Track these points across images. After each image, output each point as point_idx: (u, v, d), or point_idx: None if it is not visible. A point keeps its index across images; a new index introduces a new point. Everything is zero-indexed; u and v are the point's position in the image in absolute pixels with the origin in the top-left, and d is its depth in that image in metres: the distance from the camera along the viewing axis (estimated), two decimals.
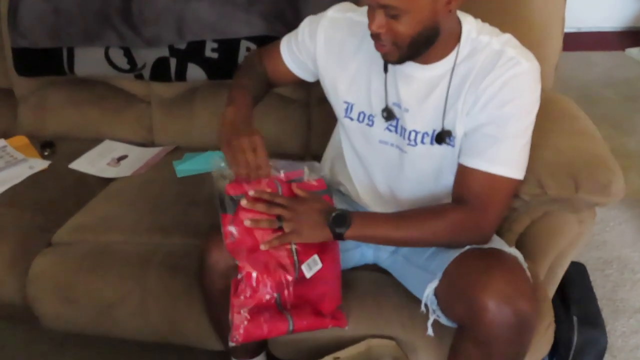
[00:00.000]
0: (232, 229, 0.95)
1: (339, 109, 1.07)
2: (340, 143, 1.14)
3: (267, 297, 0.95)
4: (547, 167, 1.02)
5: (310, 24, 1.08)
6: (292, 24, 1.36)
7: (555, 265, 1.14)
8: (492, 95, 0.90)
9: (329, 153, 1.23)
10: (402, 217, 0.97)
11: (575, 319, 1.22)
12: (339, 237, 0.93)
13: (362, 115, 1.03)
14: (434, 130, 0.96)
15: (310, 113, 1.59)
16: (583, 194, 0.99)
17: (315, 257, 0.97)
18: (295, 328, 0.98)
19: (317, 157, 1.33)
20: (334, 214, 0.92)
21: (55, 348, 1.51)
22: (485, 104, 0.91)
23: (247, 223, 0.94)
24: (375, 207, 1.11)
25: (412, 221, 0.95)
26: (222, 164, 0.98)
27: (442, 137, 0.95)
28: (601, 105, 2.59)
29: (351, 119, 1.05)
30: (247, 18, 1.49)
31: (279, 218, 0.94)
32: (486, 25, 0.96)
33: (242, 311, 0.94)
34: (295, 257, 0.96)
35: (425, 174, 1.02)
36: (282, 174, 0.99)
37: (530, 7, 1.29)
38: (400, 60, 0.92)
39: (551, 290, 1.17)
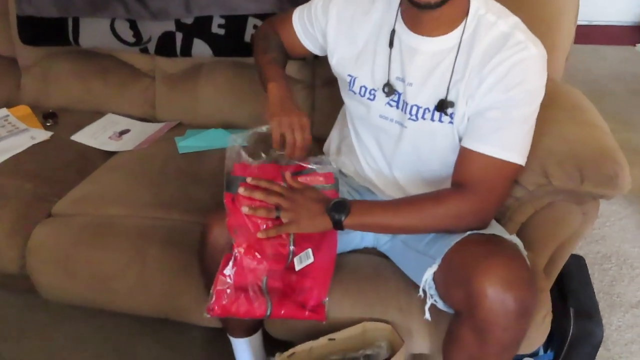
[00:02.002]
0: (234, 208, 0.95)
1: (343, 83, 1.08)
2: (346, 120, 1.14)
3: (254, 279, 0.96)
4: (553, 157, 1.01)
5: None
6: (300, 2, 1.34)
7: (555, 256, 1.13)
8: (498, 79, 0.89)
9: (334, 133, 1.23)
10: (402, 204, 0.97)
11: (572, 310, 1.22)
12: (338, 225, 0.93)
13: (363, 89, 1.03)
14: (435, 106, 0.95)
15: (315, 94, 1.58)
16: (588, 185, 0.98)
17: (309, 251, 0.98)
18: (272, 314, 0.99)
19: (321, 139, 1.32)
20: (333, 201, 0.92)
21: (52, 319, 1.52)
22: (490, 88, 0.89)
23: (244, 210, 0.94)
24: (376, 185, 1.11)
25: (411, 208, 0.95)
26: (239, 141, 0.98)
27: (444, 105, 0.94)
28: (609, 99, 2.57)
29: (354, 92, 1.05)
30: None
31: (277, 207, 0.94)
32: (496, 4, 0.94)
33: (225, 287, 0.95)
34: (291, 247, 0.97)
35: (423, 151, 1.01)
36: (290, 167, 0.99)
37: None
38: (441, 3, 0.86)
39: (550, 280, 1.17)
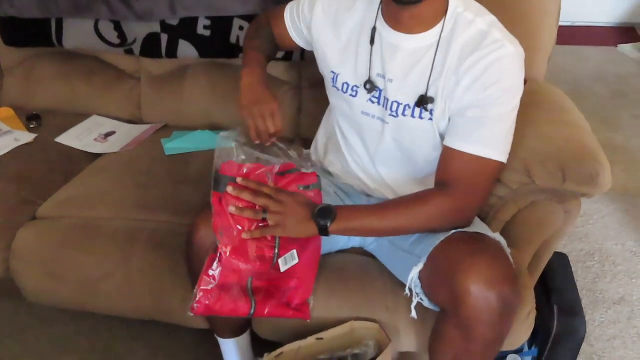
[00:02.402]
0: (221, 209, 0.95)
1: (327, 79, 1.10)
2: (331, 119, 1.15)
3: (238, 279, 0.96)
4: (535, 156, 1.02)
5: None
6: (284, 1, 1.35)
7: (539, 254, 1.15)
8: (475, 78, 0.90)
9: (321, 132, 1.24)
10: (386, 208, 0.98)
11: (555, 307, 1.24)
12: (324, 230, 0.93)
13: (345, 86, 1.04)
14: (415, 102, 0.97)
15: (301, 96, 1.58)
16: (570, 184, 1.00)
17: (294, 252, 0.98)
18: (256, 312, 1.00)
19: (307, 140, 1.33)
20: (319, 207, 0.93)
21: (38, 322, 1.50)
22: (468, 86, 0.91)
23: (231, 210, 0.94)
24: (363, 181, 1.12)
25: (396, 211, 0.96)
26: (229, 140, 0.98)
27: (423, 101, 0.95)
28: (591, 99, 2.61)
29: (336, 89, 1.06)
30: None
31: (264, 209, 0.94)
32: (474, 3, 0.96)
33: (209, 286, 0.96)
34: (276, 250, 0.97)
35: (404, 147, 1.03)
36: (276, 167, 0.99)
37: None
38: None
39: (534, 278, 1.19)
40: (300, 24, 1.12)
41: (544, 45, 1.32)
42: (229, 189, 0.94)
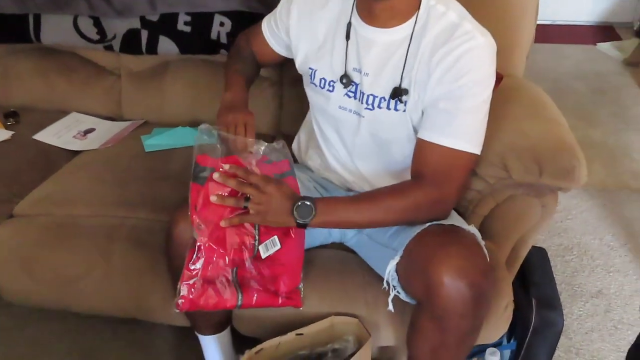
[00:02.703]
0: (200, 200, 0.94)
1: (305, 76, 1.10)
2: (310, 115, 1.16)
3: (220, 271, 0.95)
4: (512, 151, 1.04)
5: (286, 1, 1.10)
6: (267, 0, 1.35)
7: (517, 248, 1.17)
8: (446, 69, 0.91)
9: (303, 128, 1.25)
10: (365, 200, 0.97)
11: (534, 301, 1.26)
12: (302, 226, 0.93)
13: (323, 82, 1.05)
14: (390, 94, 0.98)
15: (282, 92, 1.58)
16: (547, 178, 1.01)
17: (275, 238, 0.97)
18: (243, 304, 0.98)
19: (288, 137, 1.33)
20: (299, 203, 0.92)
21: (16, 322, 1.48)
22: (440, 78, 0.92)
23: (213, 199, 0.93)
24: (342, 176, 1.13)
25: (375, 203, 0.96)
26: (205, 138, 0.98)
27: (397, 93, 0.96)
28: (571, 97, 2.65)
29: (314, 85, 1.07)
30: None
31: (247, 198, 0.93)
32: None
33: (191, 281, 0.95)
34: (257, 236, 0.96)
35: (381, 140, 1.03)
36: (254, 163, 0.98)
37: None
38: None
39: (512, 272, 1.20)
40: (279, 32, 1.13)
41: (522, 41, 1.34)
42: (215, 175, 0.92)
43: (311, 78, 1.07)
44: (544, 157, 1.01)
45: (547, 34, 3.21)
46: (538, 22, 1.36)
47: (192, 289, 0.95)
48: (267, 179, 0.93)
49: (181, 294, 0.95)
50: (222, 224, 0.93)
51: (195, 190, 0.94)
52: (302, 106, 1.25)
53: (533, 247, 1.26)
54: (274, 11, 1.15)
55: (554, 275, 1.41)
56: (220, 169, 0.94)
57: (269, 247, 0.97)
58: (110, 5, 1.51)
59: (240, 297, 0.97)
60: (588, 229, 1.83)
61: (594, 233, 1.82)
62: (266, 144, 1.00)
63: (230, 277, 0.97)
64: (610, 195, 1.98)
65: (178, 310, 0.96)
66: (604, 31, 3.33)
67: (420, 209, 0.95)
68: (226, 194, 0.94)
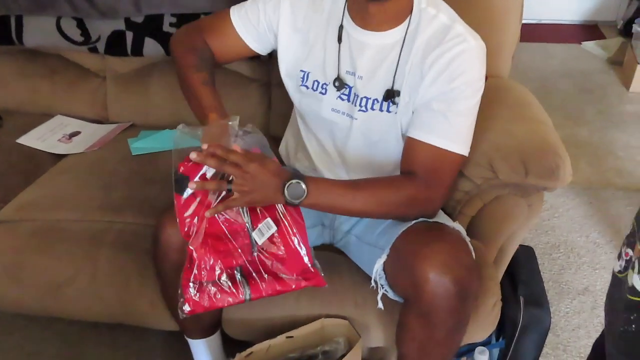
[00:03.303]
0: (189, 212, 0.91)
1: (293, 80, 1.07)
2: (296, 117, 1.15)
3: (221, 272, 0.93)
4: (499, 152, 1.04)
5: None
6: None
7: (505, 247, 1.18)
8: (440, 71, 0.92)
9: (289, 130, 1.24)
10: (359, 189, 0.94)
11: (521, 298, 1.27)
12: (291, 205, 0.89)
13: (316, 84, 1.04)
14: (382, 96, 0.98)
15: (271, 94, 1.57)
16: (532, 178, 1.02)
17: (269, 220, 0.91)
18: (253, 297, 0.94)
19: (277, 138, 1.32)
20: (291, 182, 0.87)
21: (2, 329, 1.46)
22: (433, 80, 0.92)
23: (191, 186, 0.87)
24: (329, 176, 1.12)
25: (368, 192, 0.94)
26: (187, 139, 0.91)
27: (390, 94, 0.96)
28: (557, 95, 2.67)
29: (306, 87, 1.06)
30: None
31: (229, 181, 0.86)
32: None
33: (192, 284, 0.92)
34: (247, 218, 0.91)
35: (371, 141, 1.04)
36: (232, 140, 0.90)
37: None
38: None
39: (500, 270, 1.21)
40: (258, 25, 1.06)
41: (507, 42, 1.35)
42: (192, 155, 0.84)
43: (302, 81, 1.06)
44: (529, 158, 1.02)
45: (533, 33, 3.23)
46: (524, 22, 1.37)
47: (196, 292, 0.92)
48: (249, 156, 0.86)
49: (184, 298, 0.92)
50: (207, 214, 0.88)
51: (179, 200, 0.91)
52: (290, 108, 1.25)
53: (520, 245, 1.27)
54: (246, 4, 1.07)
55: (542, 273, 1.43)
56: (203, 147, 0.86)
57: (264, 231, 0.91)
58: (94, 6, 1.49)
59: (247, 292, 0.93)
60: (574, 227, 1.85)
61: (580, 231, 1.84)
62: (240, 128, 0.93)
63: (234, 274, 0.93)
64: (596, 193, 2.01)
65: (185, 315, 0.93)
66: (589, 30, 3.37)
67: (413, 204, 0.95)
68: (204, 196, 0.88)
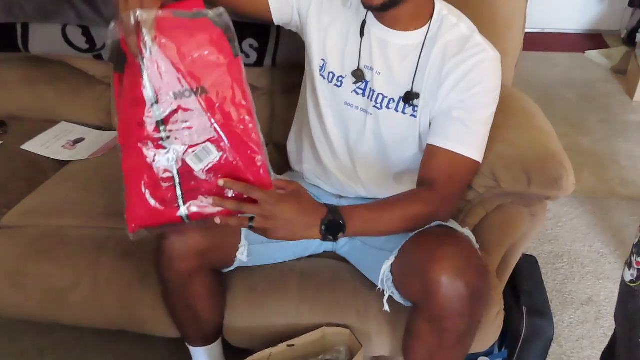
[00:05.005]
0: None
1: (314, 66, 1.07)
2: (306, 112, 1.13)
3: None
4: (501, 161, 1.04)
5: None
6: None
7: (507, 257, 1.17)
8: (459, 79, 0.94)
9: (294, 130, 1.24)
10: (387, 209, 0.94)
11: (524, 309, 1.26)
12: (328, 240, 0.87)
13: (331, 75, 1.05)
14: (400, 97, 1.00)
15: (274, 101, 1.58)
16: (535, 187, 1.02)
17: (208, 145, 0.76)
18: (191, 214, 0.82)
19: (280, 146, 1.32)
20: (327, 220, 0.84)
21: (3, 336, 1.46)
22: (452, 87, 0.95)
23: (216, 221, 0.80)
24: (334, 176, 1.12)
25: (395, 211, 0.93)
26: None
27: (410, 97, 0.98)
28: (560, 104, 2.67)
29: (323, 77, 1.07)
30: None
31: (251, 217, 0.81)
32: (454, 8, 1.01)
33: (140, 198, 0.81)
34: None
35: (385, 140, 1.04)
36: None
37: (492, 2, 1.32)
38: (383, 7, 0.91)
39: (503, 280, 1.20)
40: (291, 1, 1.05)
41: (511, 50, 1.35)
42: (210, 200, 0.78)
43: (321, 70, 1.06)
44: (532, 167, 1.02)
45: (536, 42, 3.24)
46: (527, 31, 1.38)
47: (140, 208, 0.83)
48: (276, 196, 0.80)
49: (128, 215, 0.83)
50: (217, 221, 0.81)
51: (118, 79, 0.79)
52: (294, 115, 1.25)
53: (523, 255, 1.27)
54: None
55: (545, 283, 1.43)
56: (219, 184, 0.80)
57: (202, 157, 0.77)
58: (99, 14, 1.50)
59: (183, 209, 0.81)
60: (578, 237, 1.84)
61: (584, 240, 1.83)
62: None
63: (174, 192, 0.81)
64: (600, 202, 2.00)
65: (131, 233, 0.84)
66: (592, 39, 3.37)
67: (433, 212, 0.96)
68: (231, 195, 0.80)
